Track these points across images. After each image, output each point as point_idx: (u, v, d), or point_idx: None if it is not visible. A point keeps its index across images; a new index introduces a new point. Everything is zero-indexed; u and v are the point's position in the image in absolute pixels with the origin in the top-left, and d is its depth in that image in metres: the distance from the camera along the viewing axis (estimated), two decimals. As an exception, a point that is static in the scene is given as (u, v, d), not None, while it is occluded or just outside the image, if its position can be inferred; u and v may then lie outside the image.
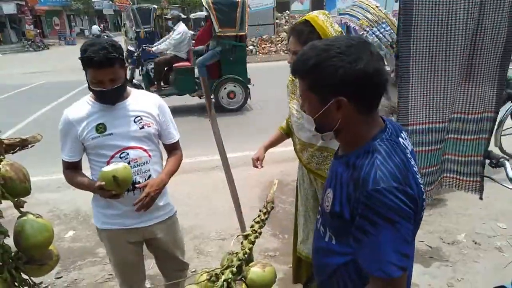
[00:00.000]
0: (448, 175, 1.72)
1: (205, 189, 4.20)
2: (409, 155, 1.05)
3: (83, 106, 1.84)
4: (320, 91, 1.03)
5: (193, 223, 3.53)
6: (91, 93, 1.86)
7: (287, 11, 18.61)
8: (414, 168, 1.03)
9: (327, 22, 1.73)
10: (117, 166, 1.65)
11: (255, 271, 1.68)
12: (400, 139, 1.08)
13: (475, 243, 3.07)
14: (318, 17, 1.75)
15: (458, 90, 1.55)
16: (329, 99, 1.01)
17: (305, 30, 1.73)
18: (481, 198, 1.66)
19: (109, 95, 1.77)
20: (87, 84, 1.77)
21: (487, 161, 1.59)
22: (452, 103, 1.55)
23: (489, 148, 1.69)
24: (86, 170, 1.90)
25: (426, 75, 1.49)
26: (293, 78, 2.01)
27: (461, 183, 1.71)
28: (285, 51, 16.04)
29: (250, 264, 1.72)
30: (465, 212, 3.51)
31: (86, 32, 40.36)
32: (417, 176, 1.03)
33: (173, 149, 2.06)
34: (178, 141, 2.06)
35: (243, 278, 1.71)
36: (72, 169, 1.88)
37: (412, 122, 1.55)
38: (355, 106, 1.01)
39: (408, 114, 1.54)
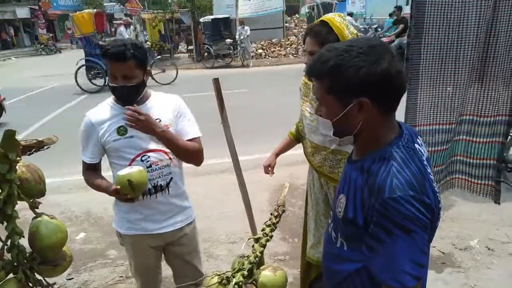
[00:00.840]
0: (459, 176, 1.71)
1: (216, 191, 4.21)
2: (425, 162, 1.03)
3: (104, 108, 1.85)
4: (340, 93, 1.00)
5: (203, 226, 3.52)
6: (112, 95, 1.88)
7: (296, 15, 18.66)
8: (430, 176, 1.01)
9: (343, 24, 1.73)
10: (132, 170, 1.65)
11: (266, 274, 1.69)
12: (416, 145, 1.05)
13: (489, 249, 3.03)
14: (335, 18, 1.75)
15: (468, 93, 1.54)
16: (350, 101, 0.99)
17: (323, 31, 1.73)
18: (497, 203, 1.63)
19: (119, 91, 1.75)
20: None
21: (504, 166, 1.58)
22: (462, 105, 1.54)
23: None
24: (106, 171, 1.91)
25: (436, 77, 1.49)
26: (306, 80, 2.01)
27: (472, 186, 1.70)
28: (295, 55, 16.05)
29: (261, 268, 1.73)
30: (478, 218, 3.46)
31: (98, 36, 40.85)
32: (434, 185, 1.01)
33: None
34: (198, 138, 1.97)
35: (254, 282, 1.71)
36: (92, 171, 1.90)
37: (419, 123, 1.56)
38: (377, 108, 0.99)
39: (416, 115, 1.55)
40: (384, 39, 10.75)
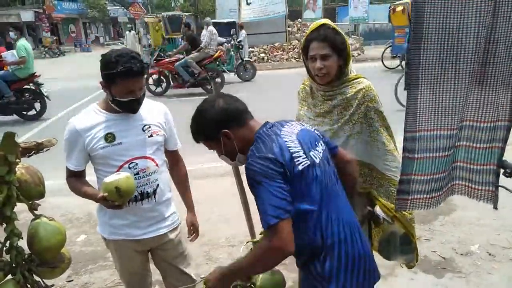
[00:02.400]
0: (459, 182, 1.70)
1: (216, 194, 4.21)
2: (282, 133, 1.36)
3: (90, 115, 1.82)
4: (211, 138, 1.46)
5: (203, 229, 3.50)
6: (97, 102, 1.88)
7: (299, 19, 18.70)
8: (281, 138, 1.33)
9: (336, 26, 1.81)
10: (119, 177, 1.62)
11: (264, 277, 1.70)
12: (283, 126, 1.42)
13: (489, 254, 3.01)
14: (328, 21, 1.82)
15: (469, 98, 1.53)
16: (219, 137, 1.42)
17: (330, 34, 1.75)
18: (495, 208, 1.63)
19: (137, 103, 1.79)
20: (101, 92, 1.79)
21: (502, 170, 1.57)
22: (462, 111, 1.54)
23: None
24: (89, 176, 1.91)
25: (436, 83, 1.49)
26: (306, 85, 2.02)
27: (472, 191, 1.69)
28: (297, 59, 16.08)
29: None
30: (478, 223, 3.45)
31: (101, 40, 41.10)
32: (285, 143, 1.31)
33: (176, 157, 2.10)
34: (178, 150, 2.11)
35: (252, 285, 1.72)
36: (76, 177, 1.87)
37: (419, 128, 1.55)
38: (235, 128, 1.41)
39: (416, 121, 1.54)
40: (167, 59, 10.18)
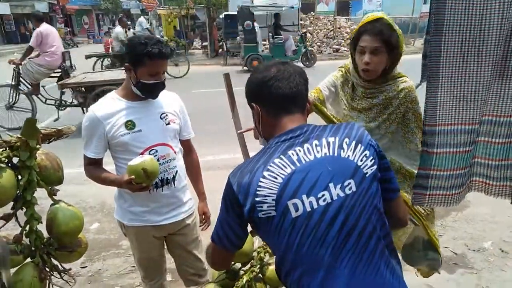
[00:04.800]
0: (477, 179, 1.68)
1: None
2: (276, 160, 1.08)
3: (109, 103, 1.86)
4: (249, 102, 1.26)
5: (213, 219, 3.57)
6: (117, 90, 1.92)
7: (312, 12, 18.52)
8: (264, 173, 1.07)
9: (393, 23, 1.71)
10: (144, 159, 1.67)
11: (273, 270, 1.71)
12: (303, 147, 1.10)
13: (502, 251, 2.98)
14: (385, 16, 1.73)
15: (489, 92, 1.51)
16: (252, 108, 1.24)
17: (385, 30, 1.68)
18: (512, 203, 1.61)
19: (160, 87, 1.84)
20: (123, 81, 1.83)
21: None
22: (483, 105, 1.50)
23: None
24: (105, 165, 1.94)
25: (457, 76, 1.45)
26: (347, 72, 1.94)
27: (490, 188, 1.66)
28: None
29: (269, 262, 1.75)
30: (492, 219, 3.41)
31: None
32: (259, 183, 1.07)
33: (189, 146, 2.14)
34: (191, 139, 2.14)
35: (260, 275, 1.73)
36: (95, 165, 1.90)
37: (440, 122, 1.52)
38: (265, 111, 1.19)
39: (436, 115, 1.51)
40: None
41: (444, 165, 1.56)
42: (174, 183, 1.93)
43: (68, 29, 31.61)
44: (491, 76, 1.45)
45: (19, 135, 1.27)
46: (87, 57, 11.22)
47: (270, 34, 13.59)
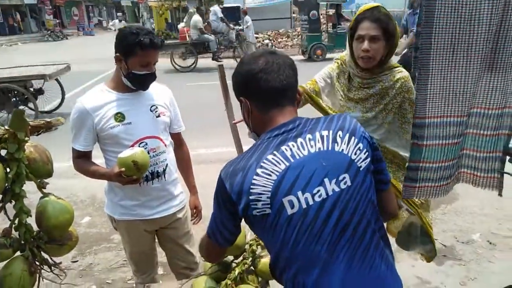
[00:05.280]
0: (465, 170, 1.69)
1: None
2: (269, 157, 1.06)
3: (98, 95, 1.83)
4: (237, 97, 1.21)
5: (204, 213, 3.56)
6: (106, 81, 1.89)
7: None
8: (257, 170, 1.05)
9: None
10: (134, 151, 1.66)
11: (265, 262, 1.72)
12: (296, 141, 1.08)
13: (490, 243, 3.03)
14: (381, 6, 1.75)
15: (478, 85, 1.52)
16: (240, 102, 1.19)
17: (384, 18, 1.70)
18: (500, 195, 1.63)
19: (151, 78, 1.82)
20: (108, 73, 1.81)
21: (508, 157, 1.57)
22: (472, 97, 1.52)
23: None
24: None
25: (446, 68, 1.46)
26: (342, 63, 1.95)
27: (477, 179, 1.68)
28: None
29: (262, 254, 1.75)
30: (480, 212, 3.46)
31: (104, 23, 40.78)
32: (253, 181, 1.05)
33: (180, 139, 2.13)
34: (181, 132, 2.13)
35: (252, 268, 1.74)
36: (83, 158, 1.87)
37: (429, 115, 1.52)
38: (255, 105, 1.15)
39: (426, 107, 1.51)
40: None
41: (433, 157, 1.57)
42: (164, 176, 1.92)
43: (57, 21, 31.11)
44: (480, 69, 1.46)
45: (7, 127, 1.25)
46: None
47: (330, 24, 13.62)
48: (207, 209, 2.58)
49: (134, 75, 1.76)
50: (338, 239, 1.05)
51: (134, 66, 1.74)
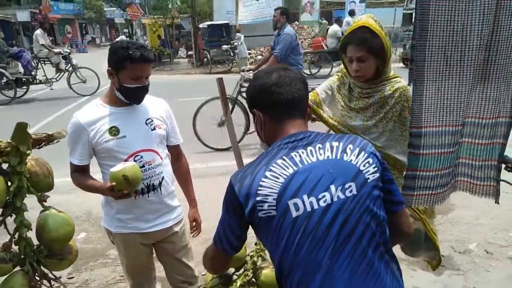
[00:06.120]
0: (461, 179, 1.73)
1: (215, 193, 4.21)
2: (279, 161, 1.11)
3: (93, 109, 1.84)
4: (250, 108, 1.28)
5: (202, 227, 3.54)
6: (101, 96, 1.90)
7: (296, 22, 18.75)
8: (266, 173, 1.10)
9: (378, 26, 1.76)
10: (125, 166, 1.66)
11: (266, 273, 1.71)
12: (306, 149, 1.13)
13: (487, 252, 3.05)
14: (371, 22, 1.77)
15: (472, 95, 1.56)
16: (253, 114, 1.26)
17: (368, 37, 1.74)
18: (497, 202, 1.65)
19: (143, 91, 1.82)
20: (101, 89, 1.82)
21: (503, 165, 1.61)
22: (466, 107, 1.56)
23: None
24: (94, 174, 1.92)
25: (440, 79, 1.51)
26: (343, 75, 2.02)
27: (474, 187, 1.71)
28: (294, 61, 16.16)
29: (263, 265, 1.75)
30: (476, 222, 3.49)
31: (97, 40, 41.00)
32: (261, 183, 1.09)
33: (178, 152, 2.13)
34: (179, 145, 2.14)
35: (253, 280, 1.74)
36: (80, 172, 1.88)
37: (425, 125, 1.56)
38: (268, 116, 1.22)
39: (422, 117, 1.56)
40: None
41: (430, 166, 1.60)
42: (160, 189, 1.91)
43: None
44: (473, 80, 1.50)
45: (9, 140, 1.26)
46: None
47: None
48: (203, 223, 2.61)
49: (125, 89, 1.78)
50: (342, 247, 1.06)
51: (125, 79, 1.75)
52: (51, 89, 10.88)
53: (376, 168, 1.13)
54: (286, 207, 1.06)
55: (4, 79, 9.53)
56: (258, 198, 1.08)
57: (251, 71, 5.90)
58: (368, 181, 1.11)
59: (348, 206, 1.07)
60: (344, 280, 1.05)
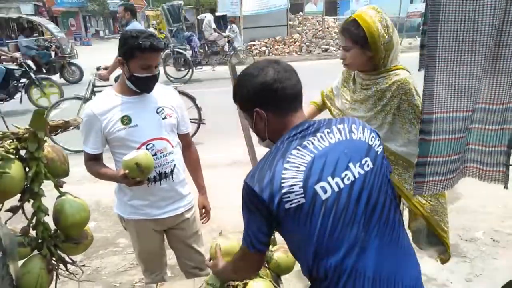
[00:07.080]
0: (471, 164, 1.73)
1: (223, 183, 4.25)
2: (294, 152, 1.12)
3: (106, 99, 1.88)
4: (245, 109, 1.27)
5: (211, 216, 3.59)
6: (112, 86, 1.94)
7: (300, 13, 18.62)
8: (284, 165, 1.10)
9: (375, 17, 1.77)
10: (138, 153, 1.69)
11: (278, 256, 1.74)
12: (316, 136, 1.16)
13: (494, 240, 3.07)
14: (367, 13, 1.79)
15: (483, 80, 1.56)
16: (252, 113, 1.23)
17: (352, 28, 1.81)
18: (506, 188, 1.66)
19: (153, 80, 1.84)
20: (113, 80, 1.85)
21: (512, 151, 1.61)
22: (477, 93, 1.56)
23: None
24: (107, 161, 1.95)
25: (452, 65, 1.50)
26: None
27: (483, 173, 1.72)
28: (298, 53, 16.07)
29: (273, 249, 1.78)
30: (483, 210, 3.50)
31: (101, 33, 40.94)
32: (282, 175, 1.10)
33: (187, 140, 2.16)
34: (189, 133, 2.17)
35: (265, 264, 1.76)
36: (94, 161, 1.92)
37: (436, 110, 1.56)
38: (271, 112, 1.20)
39: (433, 103, 1.55)
40: None
41: (440, 152, 1.61)
42: (172, 177, 1.95)
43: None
44: (484, 66, 1.50)
45: (27, 126, 1.28)
46: None
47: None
48: (211, 212, 2.67)
49: (136, 78, 1.80)
50: (370, 218, 1.13)
51: (135, 68, 1.78)
52: (213, 70, 12.43)
53: (379, 141, 1.24)
54: (314, 192, 1.09)
55: (182, 60, 11.12)
56: (283, 191, 1.09)
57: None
58: (378, 153, 1.20)
59: (369, 179, 1.14)
60: (375, 247, 1.13)
